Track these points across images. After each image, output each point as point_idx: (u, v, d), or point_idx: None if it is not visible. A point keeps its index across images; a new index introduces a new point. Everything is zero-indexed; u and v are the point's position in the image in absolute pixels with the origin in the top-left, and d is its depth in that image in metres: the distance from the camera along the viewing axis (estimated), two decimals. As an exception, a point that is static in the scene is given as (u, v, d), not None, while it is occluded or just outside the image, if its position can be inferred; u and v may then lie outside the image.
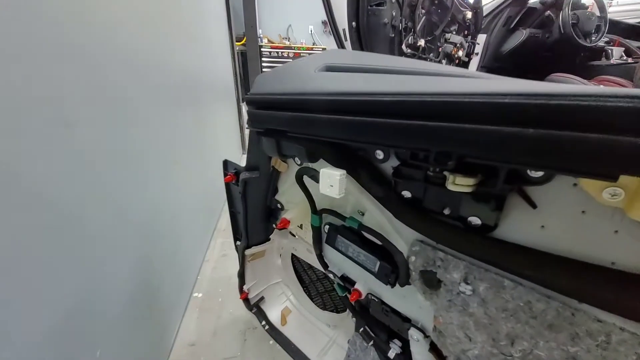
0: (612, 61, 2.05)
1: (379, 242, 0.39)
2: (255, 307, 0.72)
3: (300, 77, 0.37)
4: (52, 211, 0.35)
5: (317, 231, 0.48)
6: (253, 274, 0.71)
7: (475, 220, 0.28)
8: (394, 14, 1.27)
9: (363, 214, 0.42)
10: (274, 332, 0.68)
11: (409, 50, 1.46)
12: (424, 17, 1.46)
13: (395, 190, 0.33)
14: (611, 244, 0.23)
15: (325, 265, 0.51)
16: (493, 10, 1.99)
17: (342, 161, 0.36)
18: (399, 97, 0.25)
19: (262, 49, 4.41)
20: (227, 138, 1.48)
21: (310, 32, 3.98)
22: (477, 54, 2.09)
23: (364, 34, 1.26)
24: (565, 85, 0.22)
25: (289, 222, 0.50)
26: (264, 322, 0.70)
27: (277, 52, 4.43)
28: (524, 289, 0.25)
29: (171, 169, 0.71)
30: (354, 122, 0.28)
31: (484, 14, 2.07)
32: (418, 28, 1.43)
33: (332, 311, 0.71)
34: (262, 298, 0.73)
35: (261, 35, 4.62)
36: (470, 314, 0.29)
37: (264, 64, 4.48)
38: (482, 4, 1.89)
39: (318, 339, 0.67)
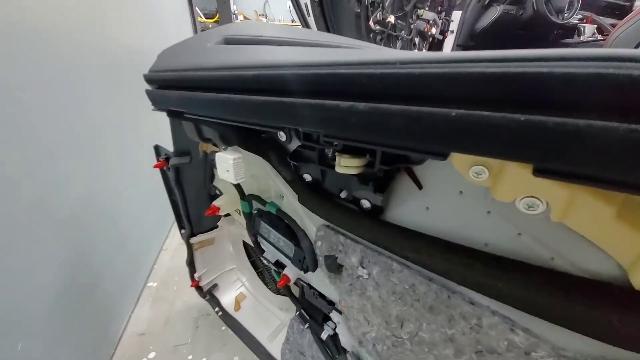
0: (583, 38, 2.05)
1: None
2: (208, 295, 0.72)
3: (195, 51, 0.34)
4: None
5: (248, 217, 0.46)
6: (203, 261, 0.70)
7: (365, 203, 0.27)
8: (358, -13, 1.21)
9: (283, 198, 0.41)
10: (227, 318, 0.68)
11: (377, 27, 1.41)
12: None
13: (298, 173, 0.32)
14: (484, 225, 0.22)
15: (262, 251, 0.50)
16: None
17: (252, 144, 0.34)
18: (259, 70, 0.23)
19: (237, 27, 4.21)
20: None
21: (288, 8, 3.81)
22: (452, 31, 2.06)
23: (328, 8, 1.21)
24: (403, 53, 0.20)
25: (218, 208, 0.48)
26: (217, 309, 0.70)
27: (253, 31, 4.24)
28: (409, 272, 0.25)
29: (108, 158, 0.67)
30: (230, 100, 0.25)
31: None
32: (387, 3, 1.37)
33: (284, 295, 0.72)
34: (215, 285, 0.73)
35: (236, 12, 4.38)
36: (368, 298, 0.28)
37: (240, 44, 4.29)
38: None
39: (270, 323, 0.67)
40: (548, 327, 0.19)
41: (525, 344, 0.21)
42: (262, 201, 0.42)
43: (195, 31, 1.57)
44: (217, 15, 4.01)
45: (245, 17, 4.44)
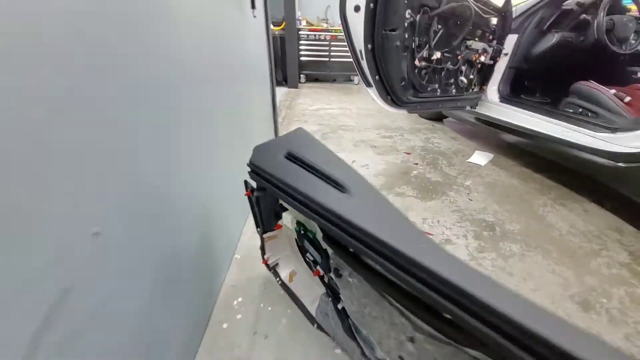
0: None
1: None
2: (272, 269, 1.10)
3: (270, 158, 0.68)
4: (158, 200, 0.71)
5: (297, 233, 0.81)
6: (270, 248, 1.08)
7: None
8: (406, 36, 1.43)
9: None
10: (284, 286, 1.06)
11: (422, 63, 1.61)
12: (440, 31, 1.59)
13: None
14: None
15: (305, 252, 0.85)
16: (527, 10, 1.99)
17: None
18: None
19: (300, 32, 4.55)
20: (260, 120, 1.80)
21: None
22: (505, 54, 2.14)
23: (379, 54, 1.46)
24: None
25: (281, 226, 0.84)
26: (278, 279, 1.08)
27: (315, 35, 4.54)
28: (373, 291, 0.57)
29: (215, 151, 1.06)
30: (290, 202, 0.59)
31: (518, 13, 2.06)
32: (433, 43, 1.57)
33: (321, 277, 1.07)
34: (277, 264, 1.11)
35: (300, 18, 4.73)
36: (352, 292, 0.60)
37: (301, 47, 4.65)
38: (512, 6, 1.90)
39: (311, 292, 1.03)
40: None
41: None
42: (306, 228, 0.76)
43: (269, 40, 1.88)
44: (284, 23, 4.40)
45: (308, 23, 4.76)
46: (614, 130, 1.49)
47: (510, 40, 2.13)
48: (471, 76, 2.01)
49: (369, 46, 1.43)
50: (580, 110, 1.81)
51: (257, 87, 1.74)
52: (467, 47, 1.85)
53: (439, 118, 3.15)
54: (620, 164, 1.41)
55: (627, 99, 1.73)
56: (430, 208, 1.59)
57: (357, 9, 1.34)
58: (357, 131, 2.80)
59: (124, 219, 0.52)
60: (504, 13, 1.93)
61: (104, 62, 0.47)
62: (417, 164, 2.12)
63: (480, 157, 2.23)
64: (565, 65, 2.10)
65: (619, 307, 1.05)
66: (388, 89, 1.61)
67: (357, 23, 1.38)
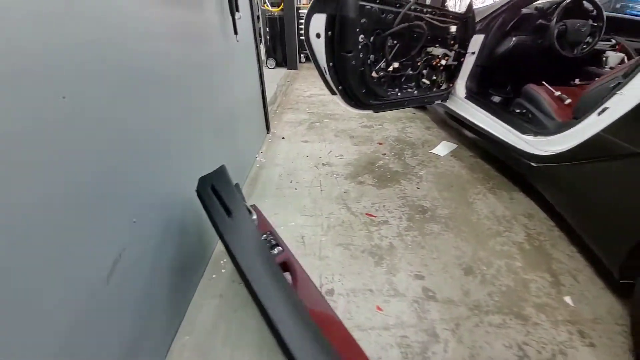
0: (607, 68, 2.19)
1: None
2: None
3: (205, 188, 1.10)
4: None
5: None
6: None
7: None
8: (361, 55, 1.72)
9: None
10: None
11: (381, 74, 1.91)
12: (397, 45, 1.86)
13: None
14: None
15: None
16: (491, 12, 2.20)
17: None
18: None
19: (299, 12, 4.67)
20: (250, 119, 2.23)
21: None
22: (472, 53, 2.37)
23: (339, 70, 1.76)
24: None
25: None
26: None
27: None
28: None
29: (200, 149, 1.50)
30: None
31: (483, 16, 2.26)
32: (390, 57, 1.86)
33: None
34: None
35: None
36: None
37: (301, 27, 4.78)
38: (474, 11, 2.10)
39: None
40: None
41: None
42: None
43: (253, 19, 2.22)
44: (282, 4, 4.52)
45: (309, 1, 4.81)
46: (535, 134, 1.79)
47: (477, 40, 2.34)
48: (434, 77, 2.27)
49: (330, 64, 1.75)
50: (524, 111, 2.08)
51: (247, 89, 2.11)
52: (427, 54, 2.10)
53: (421, 107, 3.40)
54: (532, 164, 1.73)
55: (568, 100, 1.98)
56: (382, 194, 1.99)
57: (318, 36, 1.64)
58: (342, 120, 3.12)
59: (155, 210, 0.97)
60: (465, 19, 2.13)
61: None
62: (384, 154, 2.48)
63: (443, 148, 2.55)
64: (524, 66, 2.32)
65: (493, 273, 1.46)
66: (351, 96, 1.93)
67: (319, 46, 1.68)
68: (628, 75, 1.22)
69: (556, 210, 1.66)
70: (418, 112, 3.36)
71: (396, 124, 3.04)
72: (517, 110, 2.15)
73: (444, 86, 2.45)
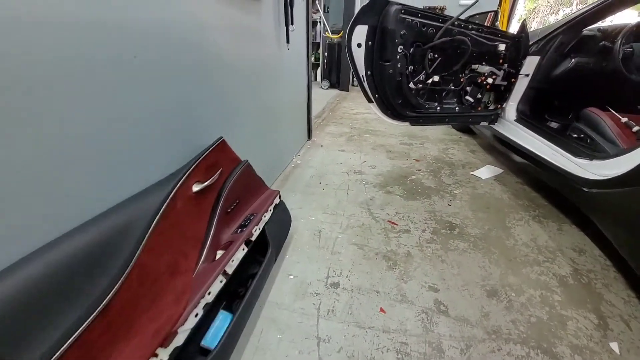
0: None
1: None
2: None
3: None
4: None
5: None
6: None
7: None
8: (399, 65, 1.77)
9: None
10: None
11: (419, 86, 1.92)
12: (438, 59, 1.88)
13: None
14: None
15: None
16: (548, 34, 2.11)
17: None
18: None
19: (356, 38, 4.93)
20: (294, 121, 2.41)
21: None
22: (527, 75, 2.27)
23: (377, 79, 1.83)
24: None
25: None
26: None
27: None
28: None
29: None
30: None
31: (540, 37, 2.17)
32: (430, 70, 1.88)
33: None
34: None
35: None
36: None
37: (355, 52, 5.04)
38: (527, 31, 2.03)
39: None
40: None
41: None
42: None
43: (308, 43, 2.44)
44: (341, 32, 4.86)
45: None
46: (591, 157, 1.60)
47: (531, 62, 2.23)
48: (479, 95, 2.20)
49: (369, 72, 1.83)
50: (582, 135, 1.88)
51: (293, 95, 2.31)
52: (471, 70, 2.07)
53: (469, 130, 3.26)
54: (584, 189, 1.54)
55: (636, 128, 1.75)
56: (408, 205, 1.93)
57: (359, 45, 1.76)
58: (382, 136, 3.15)
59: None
60: (517, 39, 2.07)
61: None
62: (419, 170, 2.41)
63: (486, 171, 2.39)
64: (584, 89, 2.12)
65: (523, 302, 1.29)
66: (387, 105, 1.98)
67: (360, 56, 1.79)
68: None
69: (615, 248, 1.43)
70: (464, 135, 3.22)
71: (438, 145, 2.95)
72: (575, 135, 1.95)
73: (491, 107, 2.35)
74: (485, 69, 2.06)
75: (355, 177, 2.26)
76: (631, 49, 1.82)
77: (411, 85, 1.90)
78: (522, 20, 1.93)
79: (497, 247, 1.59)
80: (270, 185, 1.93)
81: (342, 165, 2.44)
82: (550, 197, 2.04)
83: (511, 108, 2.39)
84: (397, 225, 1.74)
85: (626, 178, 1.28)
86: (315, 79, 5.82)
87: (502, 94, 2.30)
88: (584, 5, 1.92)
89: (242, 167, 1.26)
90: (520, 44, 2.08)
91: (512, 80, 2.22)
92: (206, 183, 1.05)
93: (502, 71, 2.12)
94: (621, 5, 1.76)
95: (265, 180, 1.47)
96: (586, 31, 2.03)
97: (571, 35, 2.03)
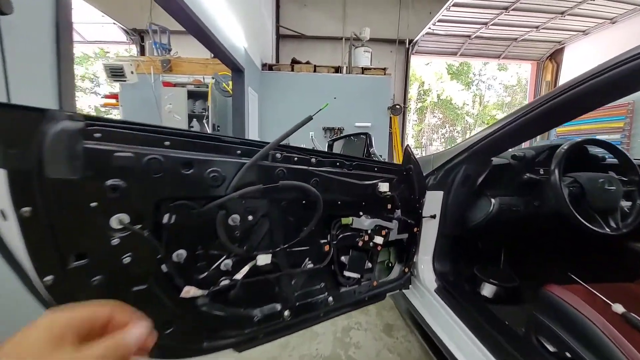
0: None
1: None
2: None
3: None
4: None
5: None
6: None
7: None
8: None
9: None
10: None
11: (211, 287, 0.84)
12: (262, 223, 0.86)
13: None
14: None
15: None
16: (443, 164, 1.35)
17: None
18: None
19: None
20: None
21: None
22: (433, 216, 1.41)
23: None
24: None
25: None
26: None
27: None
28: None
29: None
30: None
31: (438, 165, 1.42)
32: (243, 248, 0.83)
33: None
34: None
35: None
36: None
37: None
38: (416, 158, 1.27)
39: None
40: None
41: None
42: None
43: None
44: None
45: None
46: None
47: (435, 198, 1.43)
48: (368, 265, 1.23)
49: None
50: (556, 341, 0.91)
51: None
52: (342, 229, 1.12)
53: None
54: None
55: (617, 307, 0.86)
56: None
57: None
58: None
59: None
60: (405, 171, 1.28)
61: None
62: None
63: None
64: (526, 243, 1.32)
65: None
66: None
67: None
68: None
69: None
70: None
71: (335, 323, 1.78)
72: (543, 340, 0.99)
73: (393, 273, 1.40)
74: (366, 223, 1.15)
75: None
76: (578, 185, 1.12)
77: (185, 290, 0.79)
78: (405, 147, 1.15)
79: None
80: None
81: None
82: None
83: (426, 265, 1.49)
84: None
85: None
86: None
87: (405, 248, 1.39)
88: (487, 126, 1.26)
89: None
90: (410, 177, 1.30)
91: (415, 230, 1.35)
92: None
93: (394, 221, 1.25)
94: (539, 129, 1.13)
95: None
96: (497, 159, 1.36)
97: (476, 165, 1.33)
